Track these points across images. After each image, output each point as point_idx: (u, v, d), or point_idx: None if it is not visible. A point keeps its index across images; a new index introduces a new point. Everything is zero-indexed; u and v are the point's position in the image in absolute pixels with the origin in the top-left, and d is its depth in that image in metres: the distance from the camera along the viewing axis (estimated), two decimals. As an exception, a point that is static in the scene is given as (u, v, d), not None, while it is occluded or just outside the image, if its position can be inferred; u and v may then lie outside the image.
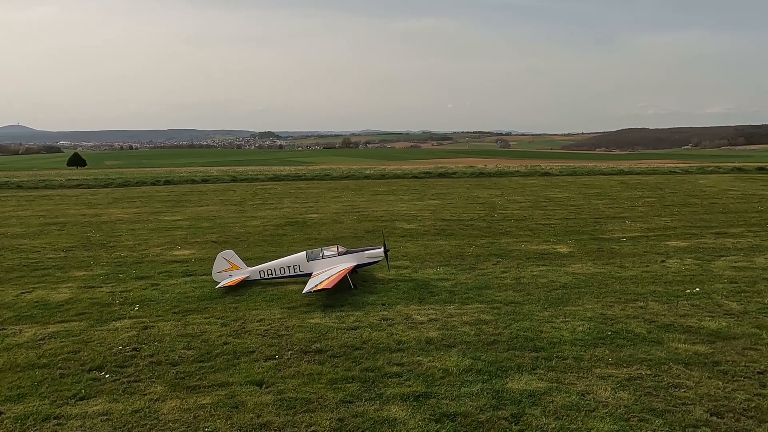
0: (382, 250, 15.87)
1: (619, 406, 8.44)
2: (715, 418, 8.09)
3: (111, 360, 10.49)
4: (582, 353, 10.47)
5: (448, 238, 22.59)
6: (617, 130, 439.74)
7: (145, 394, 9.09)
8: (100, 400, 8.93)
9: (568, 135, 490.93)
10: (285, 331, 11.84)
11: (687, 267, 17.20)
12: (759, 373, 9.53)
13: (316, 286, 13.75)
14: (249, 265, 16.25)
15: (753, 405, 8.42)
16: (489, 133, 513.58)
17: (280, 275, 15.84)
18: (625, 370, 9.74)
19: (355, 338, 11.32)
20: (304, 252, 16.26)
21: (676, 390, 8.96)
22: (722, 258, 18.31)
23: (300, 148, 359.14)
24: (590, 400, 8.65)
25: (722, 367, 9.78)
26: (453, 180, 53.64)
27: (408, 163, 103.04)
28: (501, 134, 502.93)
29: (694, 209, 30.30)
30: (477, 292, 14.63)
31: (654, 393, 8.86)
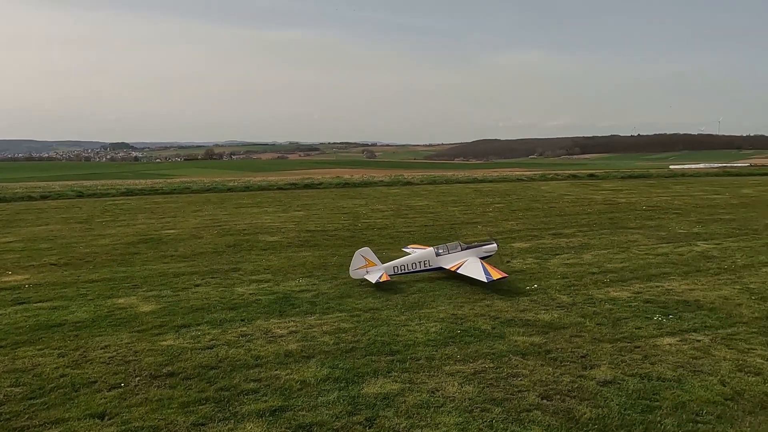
0: (496, 245, 18.19)
1: (465, 399, 9.07)
2: (545, 401, 9.00)
3: None
4: (434, 353, 11.07)
5: (312, 249, 22.64)
6: (473, 141, 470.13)
7: (-40, 442, 8.01)
8: None
9: (430, 146, 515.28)
10: (133, 356, 11.08)
11: (528, 266, 18.91)
12: (582, 357, 10.77)
13: (490, 277, 15.43)
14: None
15: (576, 386, 9.50)
16: (355, 144, 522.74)
17: (412, 270, 17.17)
18: (471, 365, 10.47)
19: (211, 357, 10.92)
20: (432, 248, 17.76)
21: (514, 379, 9.82)
22: (557, 256, 20.39)
23: (158, 160, 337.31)
24: (439, 396, 9.19)
25: (553, 355, 10.91)
26: (319, 191, 53.82)
27: (274, 175, 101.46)
28: (367, 145, 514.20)
29: (536, 213, 33.39)
30: (338, 302, 14.84)
31: (495, 384, 9.64)
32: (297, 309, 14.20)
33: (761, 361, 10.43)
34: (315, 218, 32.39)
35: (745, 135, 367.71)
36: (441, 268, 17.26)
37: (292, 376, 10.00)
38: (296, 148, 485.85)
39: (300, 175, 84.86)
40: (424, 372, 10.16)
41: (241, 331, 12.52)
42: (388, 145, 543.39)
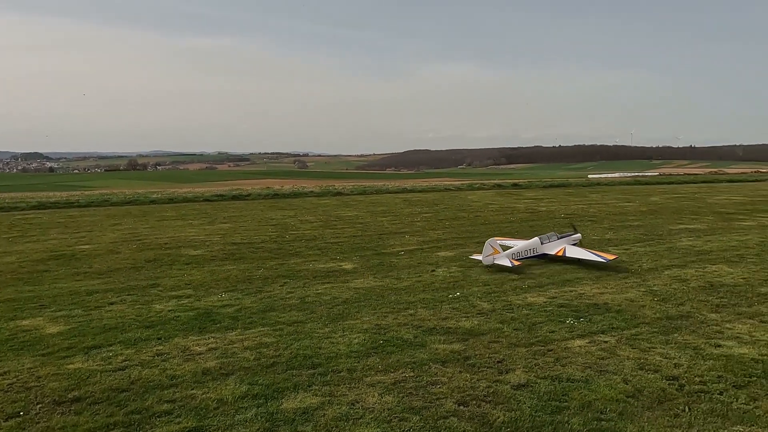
0: (580, 235, 23.09)
1: (384, 410, 9.13)
2: (461, 407, 9.21)
3: None
4: (356, 364, 11.08)
5: (237, 263, 22.13)
6: (405, 152, 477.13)
7: None
8: None
9: (362, 156, 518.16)
10: (35, 382, 10.38)
11: (452, 274, 19.34)
12: (498, 362, 11.12)
13: (607, 258, 19.78)
14: None
15: (491, 391, 9.79)
16: (287, 154, 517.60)
17: (525, 256, 20.77)
18: (391, 375, 10.56)
19: (122, 379, 10.42)
20: (537, 238, 21.85)
21: (433, 387, 9.99)
22: (480, 264, 20.95)
23: (76, 171, 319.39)
24: (359, 408, 9.20)
25: (471, 361, 11.19)
26: (247, 202, 52.78)
27: (202, 186, 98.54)
28: (299, 155, 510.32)
29: (462, 222, 34.24)
30: (261, 316, 14.57)
31: (414, 393, 9.76)
32: (218, 325, 13.82)
33: (660, 358, 11.16)
34: (242, 230, 31.73)
35: (654, 146, 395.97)
36: (545, 254, 21.21)
37: (208, 395, 9.71)
38: (226, 158, 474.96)
39: (229, 186, 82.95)
40: (345, 384, 10.15)
41: (157, 350, 12.04)
42: (320, 156, 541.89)
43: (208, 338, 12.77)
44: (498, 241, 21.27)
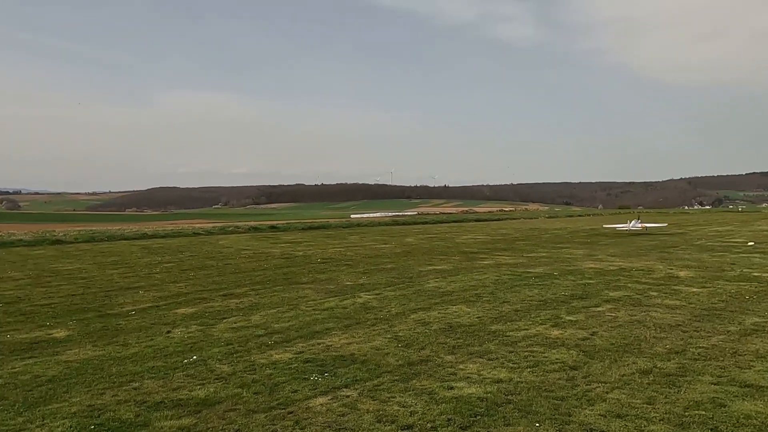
0: (640, 220, 60.66)
1: None
2: (184, 494, 8.82)
3: None
4: (53, 461, 9.86)
5: None
6: (148, 189, 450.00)
7: None
8: None
9: (94, 194, 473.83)
10: None
11: (190, 334, 18.63)
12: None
13: (643, 226, 59.39)
14: None
15: (221, 469, 9.59)
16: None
17: (635, 228, 55.17)
18: (101, 468, 9.65)
19: None
20: (634, 220, 57.07)
21: (153, 475, 9.40)
22: (224, 320, 20.63)
23: None
24: None
25: (202, 437, 10.84)
26: None
27: None
28: (8, 193, 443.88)
29: (209, 272, 33.39)
30: None
31: (128, 486, 9.05)
32: None
33: (398, 407, 12.25)
34: None
35: (413, 185, 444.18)
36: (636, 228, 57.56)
37: None
38: None
39: None
40: (35, 490, 8.93)
41: None
42: (38, 194, 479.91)
43: None
44: (630, 221, 56.25)
